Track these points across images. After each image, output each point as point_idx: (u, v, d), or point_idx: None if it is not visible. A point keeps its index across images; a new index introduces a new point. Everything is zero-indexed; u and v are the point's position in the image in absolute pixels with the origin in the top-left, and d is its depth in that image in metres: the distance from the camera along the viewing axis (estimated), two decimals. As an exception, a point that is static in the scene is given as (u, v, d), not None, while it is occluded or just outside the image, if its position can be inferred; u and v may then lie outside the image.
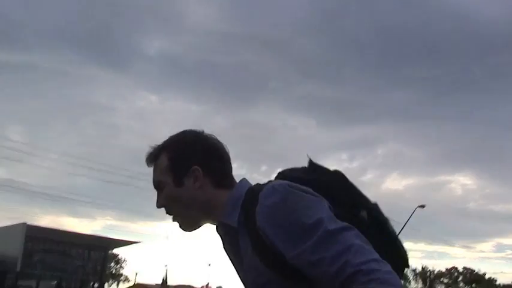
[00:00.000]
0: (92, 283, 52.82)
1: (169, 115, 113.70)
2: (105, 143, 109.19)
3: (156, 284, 64.30)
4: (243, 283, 1.71)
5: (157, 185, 1.73)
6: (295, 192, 1.54)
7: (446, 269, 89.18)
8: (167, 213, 1.74)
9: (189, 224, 1.75)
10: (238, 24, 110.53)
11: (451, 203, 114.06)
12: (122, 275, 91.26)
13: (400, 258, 1.65)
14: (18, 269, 44.66)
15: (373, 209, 1.68)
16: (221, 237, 1.73)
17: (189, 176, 1.69)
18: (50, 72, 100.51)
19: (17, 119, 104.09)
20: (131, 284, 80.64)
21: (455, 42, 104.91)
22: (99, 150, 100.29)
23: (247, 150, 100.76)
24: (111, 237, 53.35)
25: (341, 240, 1.43)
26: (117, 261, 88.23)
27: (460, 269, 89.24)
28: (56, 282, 49.26)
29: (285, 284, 1.54)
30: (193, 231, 1.77)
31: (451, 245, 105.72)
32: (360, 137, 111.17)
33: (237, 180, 1.77)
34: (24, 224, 45.08)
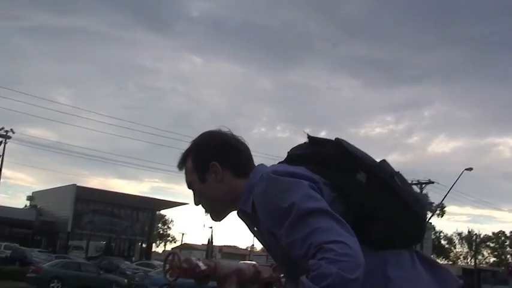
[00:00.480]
0: (140, 243, 54.00)
1: (213, 77, 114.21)
2: (150, 105, 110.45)
3: (202, 244, 65.29)
4: (274, 260, 1.89)
5: (189, 185, 1.92)
6: (274, 179, 1.67)
7: (493, 233, 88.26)
8: (204, 209, 1.91)
9: (216, 214, 1.92)
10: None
11: (499, 166, 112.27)
12: (169, 235, 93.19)
13: (408, 213, 1.72)
14: (69, 229, 45.89)
15: (375, 169, 1.76)
16: (243, 221, 1.87)
17: (209, 172, 1.86)
18: (96, 35, 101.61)
19: (65, 82, 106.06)
20: (178, 244, 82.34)
21: (503, 1, 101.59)
22: (145, 113, 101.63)
23: (290, 112, 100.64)
24: (159, 198, 54.23)
25: (311, 222, 1.53)
26: (165, 222, 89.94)
27: (507, 233, 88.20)
28: (105, 242, 50.50)
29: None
30: (223, 219, 1.95)
31: (498, 208, 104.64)
32: (406, 98, 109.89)
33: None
34: (74, 186, 46.13)
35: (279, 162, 1.87)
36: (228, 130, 1.92)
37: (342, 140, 1.82)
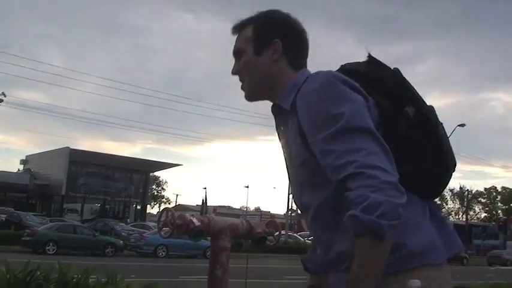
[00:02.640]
0: (134, 205, 54.23)
1: (205, 36, 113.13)
2: (142, 66, 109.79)
3: (197, 205, 65.77)
4: (286, 163, 1.82)
5: (237, 52, 1.82)
6: (333, 82, 1.59)
7: (485, 189, 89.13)
8: (240, 80, 1.83)
9: (253, 93, 1.83)
10: None
11: (492, 121, 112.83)
12: (163, 196, 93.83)
13: (441, 164, 1.68)
14: (63, 192, 46.00)
15: (425, 109, 1.71)
16: (274, 116, 1.83)
17: (268, 48, 1.77)
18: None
19: (55, 43, 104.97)
20: (172, 205, 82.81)
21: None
22: (137, 74, 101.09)
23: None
24: (152, 159, 54.28)
25: (356, 139, 1.49)
26: (159, 183, 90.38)
27: (499, 188, 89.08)
28: (99, 204, 50.70)
29: (316, 166, 1.58)
30: (253, 101, 1.85)
31: (490, 164, 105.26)
32: (398, 54, 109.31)
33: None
34: (67, 148, 46.11)
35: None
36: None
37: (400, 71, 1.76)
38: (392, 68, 1.77)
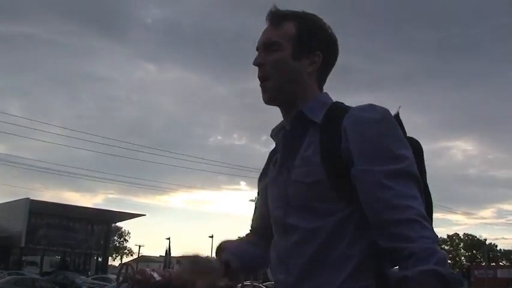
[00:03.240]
0: (95, 257, 53.29)
1: (168, 85, 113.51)
2: (104, 115, 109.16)
3: (160, 256, 64.75)
4: (270, 175, 1.72)
5: (270, 44, 1.67)
6: (393, 121, 1.55)
7: (448, 236, 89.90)
8: (261, 73, 1.68)
9: (276, 95, 1.69)
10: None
11: (452, 169, 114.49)
12: (125, 248, 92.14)
13: (430, 205, 1.63)
14: (22, 244, 44.93)
15: (418, 148, 1.67)
16: (292, 127, 1.68)
17: (307, 57, 1.66)
18: (47, 43, 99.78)
19: (16, 92, 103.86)
20: (135, 256, 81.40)
21: (455, 4, 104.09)
22: (99, 123, 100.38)
23: (247, 120, 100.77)
24: (114, 210, 53.57)
25: (413, 187, 1.46)
26: (121, 234, 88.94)
27: (461, 235, 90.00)
28: (60, 257, 49.59)
29: (327, 191, 1.52)
30: (270, 103, 1.71)
31: (452, 211, 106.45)
32: (358, 104, 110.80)
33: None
34: (27, 199, 45.20)
35: None
36: None
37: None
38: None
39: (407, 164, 1.48)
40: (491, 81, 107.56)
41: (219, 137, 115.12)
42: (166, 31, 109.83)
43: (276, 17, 1.68)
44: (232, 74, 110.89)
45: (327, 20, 1.71)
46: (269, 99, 1.69)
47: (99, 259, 53.39)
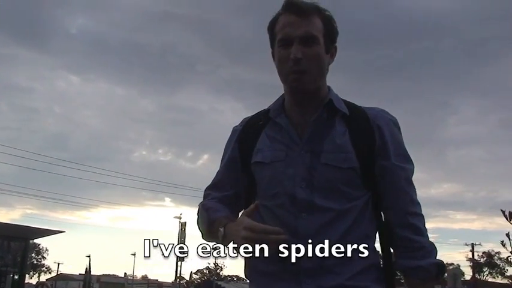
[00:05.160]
0: (11, 275, 51.22)
1: (92, 97, 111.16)
2: (24, 127, 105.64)
3: (80, 274, 62.94)
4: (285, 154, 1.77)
5: (309, 38, 1.73)
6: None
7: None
8: (299, 67, 1.72)
9: (314, 87, 1.78)
10: (165, 3, 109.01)
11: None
12: (43, 265, 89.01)
13: None
14: None
15: None
16: (317, 117, 1.77)
17: (330, 51, 1.80)
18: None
19: None
20: (53, 274, 78.82)
21: (379, 28, 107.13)
22: (18, 135, 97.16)
23: (173, 135, 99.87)
24: (32, 226, 51.67)
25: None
26: (39, 251, 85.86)
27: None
28: (-27, 274, 47.41)
29: (356, 178, 1.73)
30: (310, 90, 1.79)
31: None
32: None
33: None
34: None
35: None
36: None
37: None
38: None
39: (413, 167, 1.84)
40: (412, 102, 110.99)
41: (144, 152, 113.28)
42: (91, 42, 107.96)
43: (305, 10, 1.74)
44: (159, 88, 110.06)
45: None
46: (304, 91, 1.77)
47: (15, 277, 51.21)
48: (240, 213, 1.70)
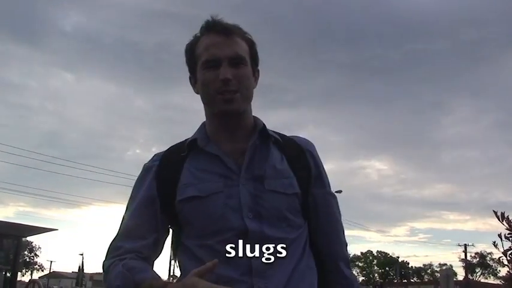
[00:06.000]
0: (4, 272, 50.79)
1: (86, 95, 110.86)
2: (17, 124, 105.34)
3: (73, 272, 62.79)
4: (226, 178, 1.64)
5: (238, 58, 1.65)
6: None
7: (361, 253, 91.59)
8: (231, 87, 1.63)
9: (243, 107, 1.68)
10: (160, 1, 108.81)
11: (367, 188, 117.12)
12: (36, 263, 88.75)
13: None
14: None
15: None
16: (253, 145, 1.68)
17: (254, 74, 1.73)
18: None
19: None
20: (46, 272, 78.61)
21: (373, 28, 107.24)
22: (11, 132, 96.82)
23: (167, 133, 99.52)
24: (25, 223, 51.49)
25: None
26: (31, 249, 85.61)
27: (375, 252, 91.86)
28: (-35, 272, 47.17)
29: (298, 204, 1.66)
30: (240, 112, 1.68)
31: (367, 229, 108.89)
32: (279, 122, 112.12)
33: None
34: None
35: None
36: None
37: None
38: None
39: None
40: (406, 103, 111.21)
41: (138, 151, 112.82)
42: (85, 40, 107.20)
43: (231, 30, 1.67)
44: (153, 87, 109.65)
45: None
46: (234, 113, 1.66)
47: (8, 274, 50.81)
48: (190, 274, 1.40)
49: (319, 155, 1.81)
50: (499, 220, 4.83)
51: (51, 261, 77.63)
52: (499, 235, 4.81)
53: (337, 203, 1.79)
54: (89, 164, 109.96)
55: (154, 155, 1.77)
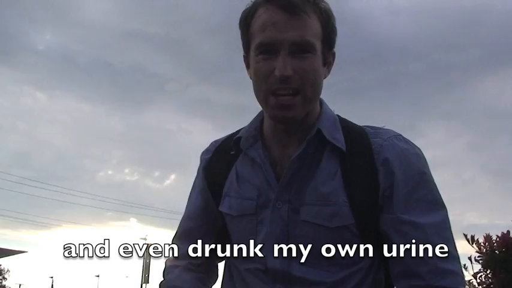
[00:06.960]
0: (-30, 296, 50.21)
1: (58, 115, 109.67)
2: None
3: (42, 296, 61.75)
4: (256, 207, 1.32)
5: (306, 46, 1.22)
6: (424, 158, 1.33)
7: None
8: (290, 85, 1.22)
9: (303, 112, 1.27)
10: (135, 21, 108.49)
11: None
12: (4, 286, 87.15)
13: None
14: None
15: None
16: (305, 148, 1.28)
17: (329, 57, 1.31)
18: None
19: None
20: (14, 296, 77.20)
21: (347, 50, 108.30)
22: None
23: (140, 154, 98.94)
24: (-7, 246, 50.72)
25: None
26: (0, 272, 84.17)
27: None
28: None
29: (352, 237, 1.24)
30: (300, 118, 1.29)
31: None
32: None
33: None
34: None
35: None
36: None
37: None
38: None
39: (447, 217, 1.29)
40: (380, 125, 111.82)
41: (110, 172, 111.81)
42: (58, 59, 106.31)
43: (297, 4, 1.22)
44: (127, 107, 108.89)
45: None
46: (297, 118, 1.27)
47: (-26, 299, 50.08)
48: None
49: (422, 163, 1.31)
50: (469, 243, 4.88)
51: (20, 285, 76.18)
52: (469, 258, 4.84)
53: (423, 232, 1.22)
54: (60, 185, 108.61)
55: (211, 143, 1.51)
